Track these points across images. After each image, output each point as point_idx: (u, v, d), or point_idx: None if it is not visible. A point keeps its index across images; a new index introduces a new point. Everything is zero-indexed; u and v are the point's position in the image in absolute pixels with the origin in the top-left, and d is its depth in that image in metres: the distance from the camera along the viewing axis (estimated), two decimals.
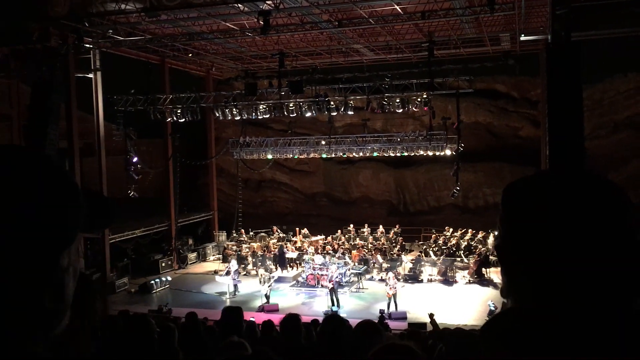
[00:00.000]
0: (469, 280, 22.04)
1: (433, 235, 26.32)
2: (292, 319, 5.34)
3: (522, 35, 21.64)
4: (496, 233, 1.19)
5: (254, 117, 24.55)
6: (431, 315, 11.33)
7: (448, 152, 23.96)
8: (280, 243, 25.60)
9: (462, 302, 19.49)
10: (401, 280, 21.29)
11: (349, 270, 21.97)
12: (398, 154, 25.93)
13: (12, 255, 0.91)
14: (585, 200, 1.05)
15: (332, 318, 5.36)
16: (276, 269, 23.39)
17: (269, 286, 19.84)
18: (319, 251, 24.10)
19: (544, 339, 1.02)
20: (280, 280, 21.82)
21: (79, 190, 1.00)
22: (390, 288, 18.45)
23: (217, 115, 24.82)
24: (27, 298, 0.92)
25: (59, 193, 0.96)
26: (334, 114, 23.76)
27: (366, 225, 27.33)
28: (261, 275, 21.91)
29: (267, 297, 19.60)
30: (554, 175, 1.13)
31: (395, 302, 18.28)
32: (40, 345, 0.95)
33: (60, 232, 0.96)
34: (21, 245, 0.91)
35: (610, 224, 1.03)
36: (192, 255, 27.39)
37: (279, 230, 27.91)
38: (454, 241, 25.14)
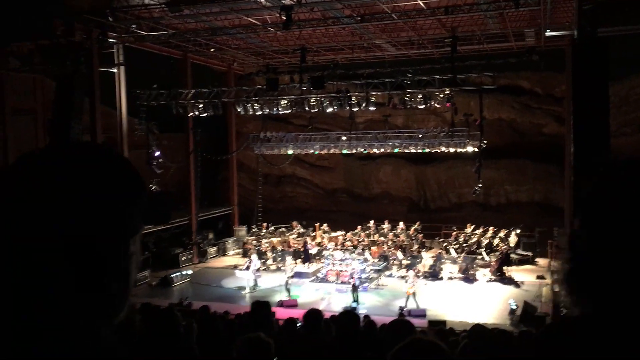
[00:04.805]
0: (490, 278, 21.83)
1: (454, 233, 26.07)
2: (313, 314, 5.31)
3: (548, 30, 21.30)
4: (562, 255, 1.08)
5: (274, 112, 24.59)
6: None
7: (470, 148, 23.67)
8: (304, 238, 25.54)
9: (483, 300, 19.31)
10: (421, 278, 21.16)
11: (368, 266, 21.92)
12: (419, 151, 25.69)
13: (91, 241, 0.99)
14: None
15: (346, 314, 5.32)
16: (300, 263, 23.45)
17: (288, 277, 20.12)
18: (339, 247, 24.07)
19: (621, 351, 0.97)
20: (299, 275, 21.86)
21: (145, 184, 1.11)
22: (411, 286, 18.38)
23: (239, 110, 24.89)
24: (100, 280, 1.00)
25: (131, 185, 1.07)
26: (355, 109, 23.67)
27: (386, 222, 27.15)
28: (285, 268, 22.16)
29: (288, 289, 19.78)
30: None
31: (415, 299, 18.19)
32: (106, 326, 1.02)
33: (131, 220, 1.05)
34: (99, 231, 0.99)
35: None
36: (212, 250, 27.55)
37: (298, 226, 27.93)
38: (475, 239, 24.92)
